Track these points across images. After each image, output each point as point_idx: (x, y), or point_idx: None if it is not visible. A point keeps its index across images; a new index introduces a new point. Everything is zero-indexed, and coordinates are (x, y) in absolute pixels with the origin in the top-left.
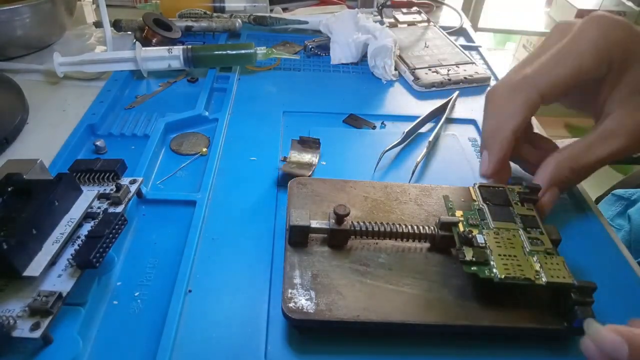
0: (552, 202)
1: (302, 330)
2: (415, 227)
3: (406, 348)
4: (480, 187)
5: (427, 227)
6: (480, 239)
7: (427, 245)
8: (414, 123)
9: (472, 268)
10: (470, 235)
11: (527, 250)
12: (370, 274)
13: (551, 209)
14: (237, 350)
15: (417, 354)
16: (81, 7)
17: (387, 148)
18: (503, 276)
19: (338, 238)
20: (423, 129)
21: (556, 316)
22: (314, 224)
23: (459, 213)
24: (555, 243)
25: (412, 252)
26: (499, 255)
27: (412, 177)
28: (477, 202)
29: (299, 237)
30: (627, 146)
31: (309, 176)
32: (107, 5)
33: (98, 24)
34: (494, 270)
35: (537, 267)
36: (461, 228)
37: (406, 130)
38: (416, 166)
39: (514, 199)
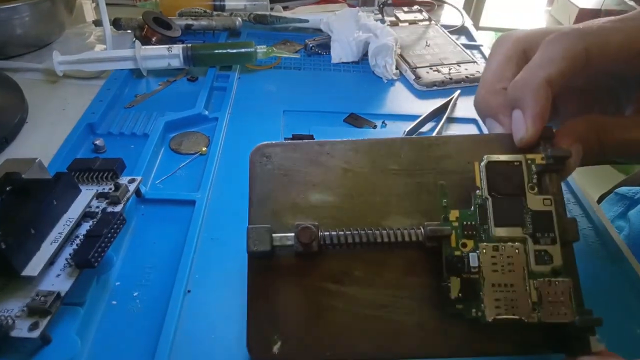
0: (575, 158)
1: None
2: (399, 233)
3: None
4: (490, 164)
5: (412, 232)
6: (473, 260)
7: (412, 245)
8: (415, 122)
9: (458, 306)
10: (460, 265)
11: (530, 270)
12: (343, 295)
13: (575, 168)
14: (236, 351)
15: None
16: (80, 6)
17: None
18: (491, 319)
19: (307, 254)
20: (424, 129)
21: (549, 339)
22: (277, 239)
23: (453, 214)
24: (570, 243)
25: (395, 256)
26: (492, 285)
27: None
28: (480, 193)
29: (261, 260)
30: None
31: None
32: (107, 4)
33: (97, 23)
34: (482, 307)
35: (536, 297)
36: (453, 242)
37: (407, 130)
38: None
39: (530, 179)
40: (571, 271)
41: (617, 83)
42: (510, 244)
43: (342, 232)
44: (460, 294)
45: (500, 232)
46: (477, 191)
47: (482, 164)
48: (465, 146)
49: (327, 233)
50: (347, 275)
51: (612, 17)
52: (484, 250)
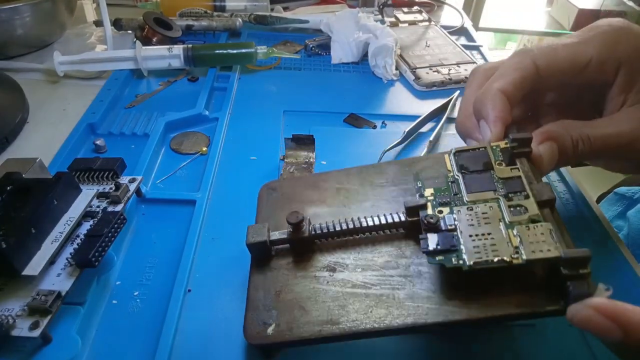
0: (550, 154)
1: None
2: (383, 218)
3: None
4: (457, 152)
5: (395, 215)
6: (449, 220)
7: (401, 233)
8: (415, 122)
9: (438, 258)
10: (434, 220)
11: (507, 221)
12: (336, 280)
13: (551, 165)
14: (236, 350)
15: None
16: (81, 6)
17: (388, 148)
18: (472, 262)
19: (301, 246)
20: (424, 129)
21: (551, 294)
22: (274, 235)
23: (428, 191)
24: (548, 204)
25: (385, 244)
26: (470, 236)
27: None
28: (451, 173)
29: (260, 254)
30: (631, 132)
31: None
32: (108, 4)
33: (98, 23)
34: (463, 256)
35: (517, 241)
36: (429, 210)
37: (407, 130)
38: None
39: (497, 159)
40: (558, 223)
41: (597, 97)
42: (484, 203)
43: (331, 222)
44: (438, 246)
45: (473, 196)
46: (449, 174)
47: (452, 153)
48: (443, 159)
49: (318, 224)
50: (339, 264)
51: (565, 35)
52: (459, 212)
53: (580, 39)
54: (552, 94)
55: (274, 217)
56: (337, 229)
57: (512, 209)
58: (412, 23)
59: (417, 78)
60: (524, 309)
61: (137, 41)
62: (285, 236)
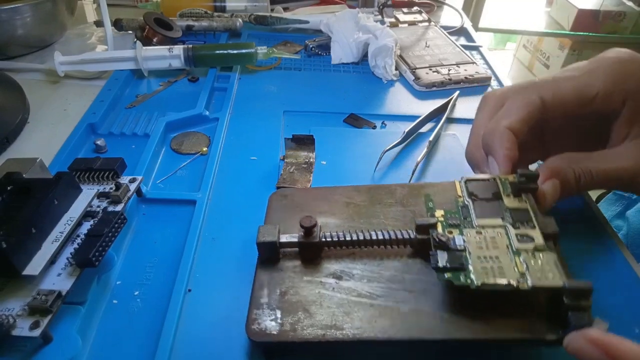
0: (553, 191)
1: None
2: (392, 233)
3: None
4: (467, 181)
5: (404, 232)
6: (458, 240)
7: (408, 250)
8: (415, 123)
9: (446, 275)
10: (444, 239)
11: (514, 249)
12: (342, 287)
13: (554, 201)
14: (236, 350)
15: None
16: (82, 6)
17: (388, 148)
18: (480, 283)
19: (309, 251)
20: (423, 129)
21: (552, 323)
22: (284, 238)
23: (439, 213)
24: (552, 237)
25: (392, 259)
26: (478, 257)
27: (412, 177)
28: (461, 199)
29: (268, 254)
30: (631, 168)
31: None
32: (108, 5)
33: (99, 23)
34: (471, 275)
35: (524, 268)
36: (439, 230)
37: (406, 130)
38: (416, 166)
39: (505, 190)
40: (558, 256)
41: (604, 126)
42: (492, 229)
43: (342, 232)
44: (447, 264)
45: (482, 222)
46: (459, 199)
47: (463, 181)
48: (451, 186)
49: (329, 232)
50: (345, 273)
51: (570, 67)
52: (468, 234)
53: (586, 71)
54: (559, 121)
55: (282, 223)
56: (347, 238)
57: (519, 237)
58: (412, 23)
59: (417, 78)
60: (525, 335)
61: (138, 41)
62: (295, 239)
